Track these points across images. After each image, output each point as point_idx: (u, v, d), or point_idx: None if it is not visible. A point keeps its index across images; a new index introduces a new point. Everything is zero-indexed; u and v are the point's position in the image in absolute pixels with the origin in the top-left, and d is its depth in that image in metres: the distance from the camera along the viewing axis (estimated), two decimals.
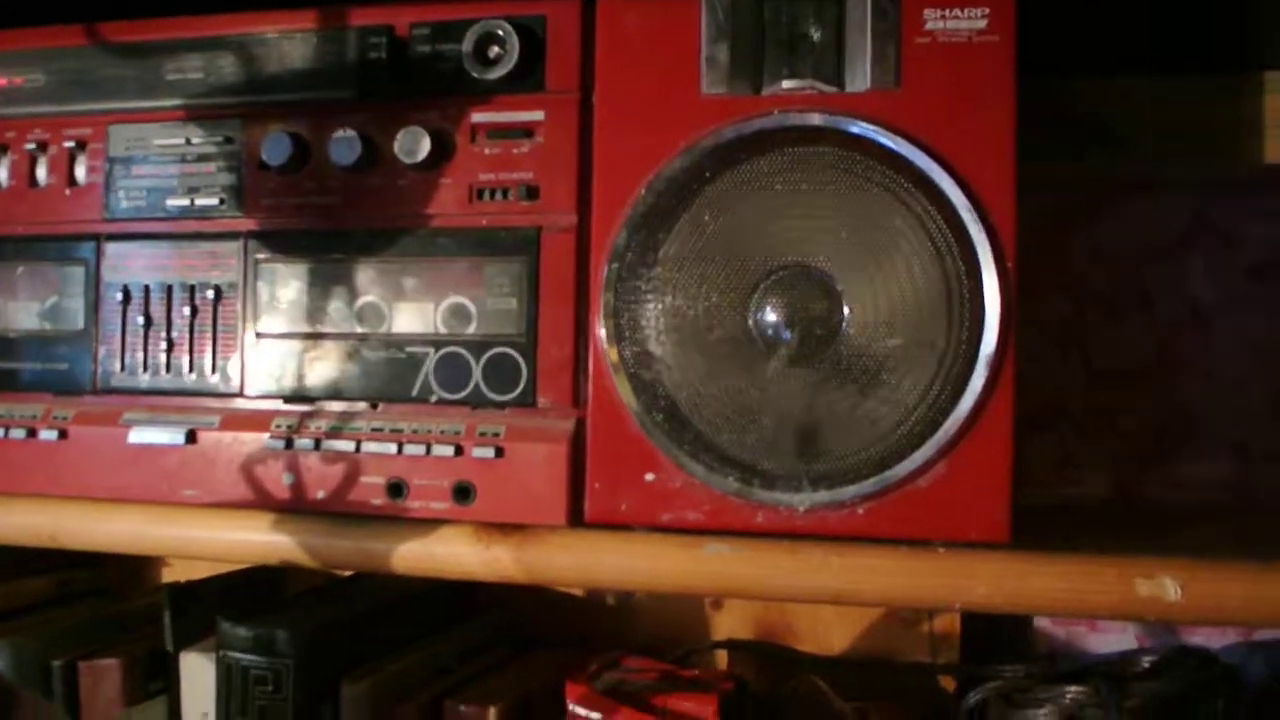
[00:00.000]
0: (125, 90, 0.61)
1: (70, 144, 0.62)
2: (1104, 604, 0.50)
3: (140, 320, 0.60)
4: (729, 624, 0.79)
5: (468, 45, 0.55)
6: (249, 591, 0.79)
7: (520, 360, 0.55)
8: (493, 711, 0.62)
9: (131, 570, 0.91)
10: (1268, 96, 0.67)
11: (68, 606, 0.82)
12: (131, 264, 0.61)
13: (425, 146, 0.55)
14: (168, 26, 0.61)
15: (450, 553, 0.56)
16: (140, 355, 0.60)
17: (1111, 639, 0.79)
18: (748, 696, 0.63)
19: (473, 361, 0.56)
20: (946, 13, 0.51)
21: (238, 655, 0.61)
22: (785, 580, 0.53)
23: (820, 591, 0.53)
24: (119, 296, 0.61)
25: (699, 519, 0.53)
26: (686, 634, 0.79)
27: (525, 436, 0.55)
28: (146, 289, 0.60)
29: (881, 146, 0.51)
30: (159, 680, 0.72)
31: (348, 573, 0.77)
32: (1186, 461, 0.79)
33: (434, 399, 0.56)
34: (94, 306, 0.61)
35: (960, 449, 0.50)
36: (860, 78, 0.52)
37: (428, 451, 0.55)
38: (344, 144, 0.56)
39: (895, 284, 0.51)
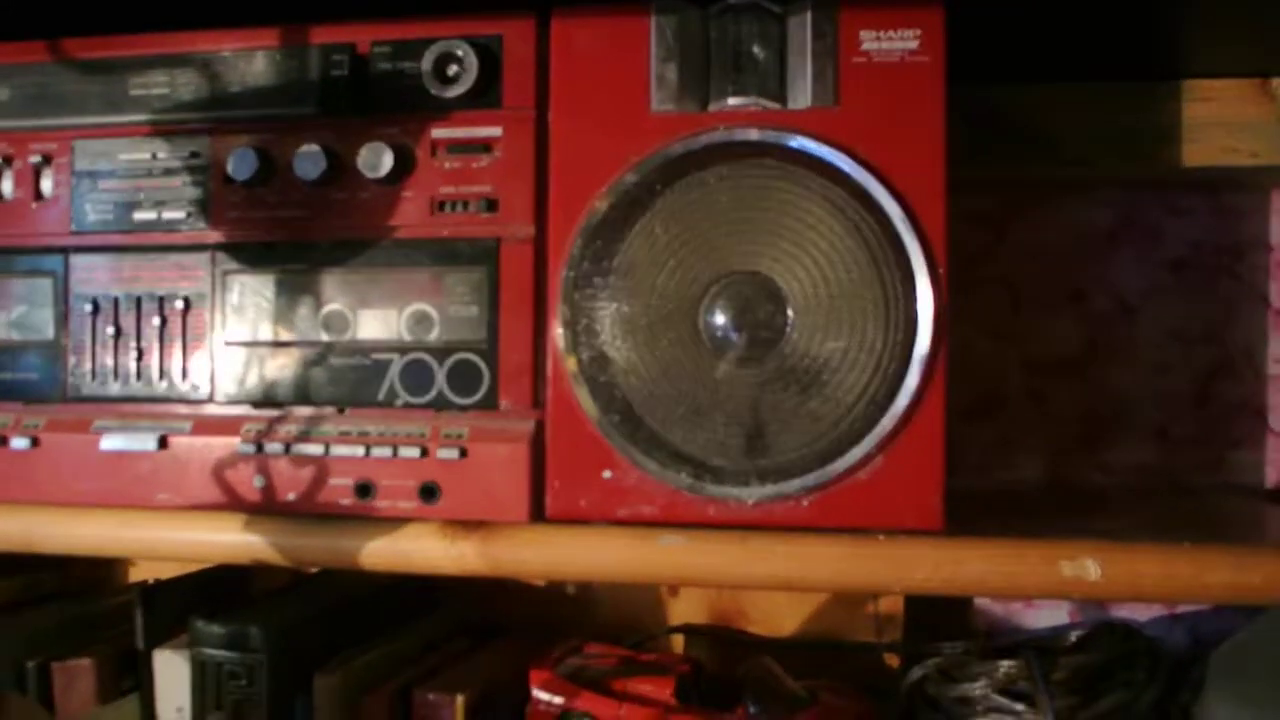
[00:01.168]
0: (90, 106, 0.63)
1: (36, 159, 0.63)
2: (1032, 584, 0.54)
3: (110, 330, 0.62)
4: (684, 610, 0.83)
5: (427, 64, 0.58)
6: (216, 590, 0.81)
7: (482, 365, 0.58)
8: (460, 699, 0.65)
9: (97, 572, 0.92)
10: (1185, 104, 0.72)
11: (35, 608, 0.83)
12: (99, 275, 0.62)
13: (388, 161, 0.57)
14: (131, 44, 0.62)
15: (418, 549, 0.58)
16: (110, 364, 0.62)
17: (1045, 615, 0.84)
18: (703, 678, 0.67)
19: (436, 366, 0.58)
20: (881, 34, 0.55)
21: (211, 652, 0.63)
22: (736, 568, 0.56)
23: (769, 578, 0.57)
24: (88, 307, 0.62)
25: (654, 513, 0.56)
26: (644, 620, 0.83)
27: (488, 437, 0.57)
28: (116, 300, 0.62)
29: (820, 160, 0.55)
30: (130, 678, 0.73)
31: (312, 570, 0.80)
32: (1114, 446, 0.84)
33: (399, 403, 0.59)
34: (63, 317, 0.63)
35: (897, 443, 0.54)
36: (801, 95, 0.55)
37: (394, 453, 0.58)
38: (308, 159, 0.58)
39: (835, 289, 0.55)
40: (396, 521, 0.59)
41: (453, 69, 0.58)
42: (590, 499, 0.57)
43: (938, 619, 0.82)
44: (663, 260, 0.56)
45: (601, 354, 0.56)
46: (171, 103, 0.62)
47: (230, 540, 0.60)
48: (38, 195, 0.63)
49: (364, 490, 0.58)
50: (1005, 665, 0.61)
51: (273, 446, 0.59)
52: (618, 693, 0.64)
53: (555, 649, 0.70)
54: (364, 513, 0.58)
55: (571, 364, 0.56)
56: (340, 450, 0.58)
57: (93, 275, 0.62)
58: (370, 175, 0.58)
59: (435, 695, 0.66)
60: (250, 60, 0.61)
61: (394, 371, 0.59)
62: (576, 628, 0.83)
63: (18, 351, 0.64)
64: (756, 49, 0.56)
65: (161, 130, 0.62)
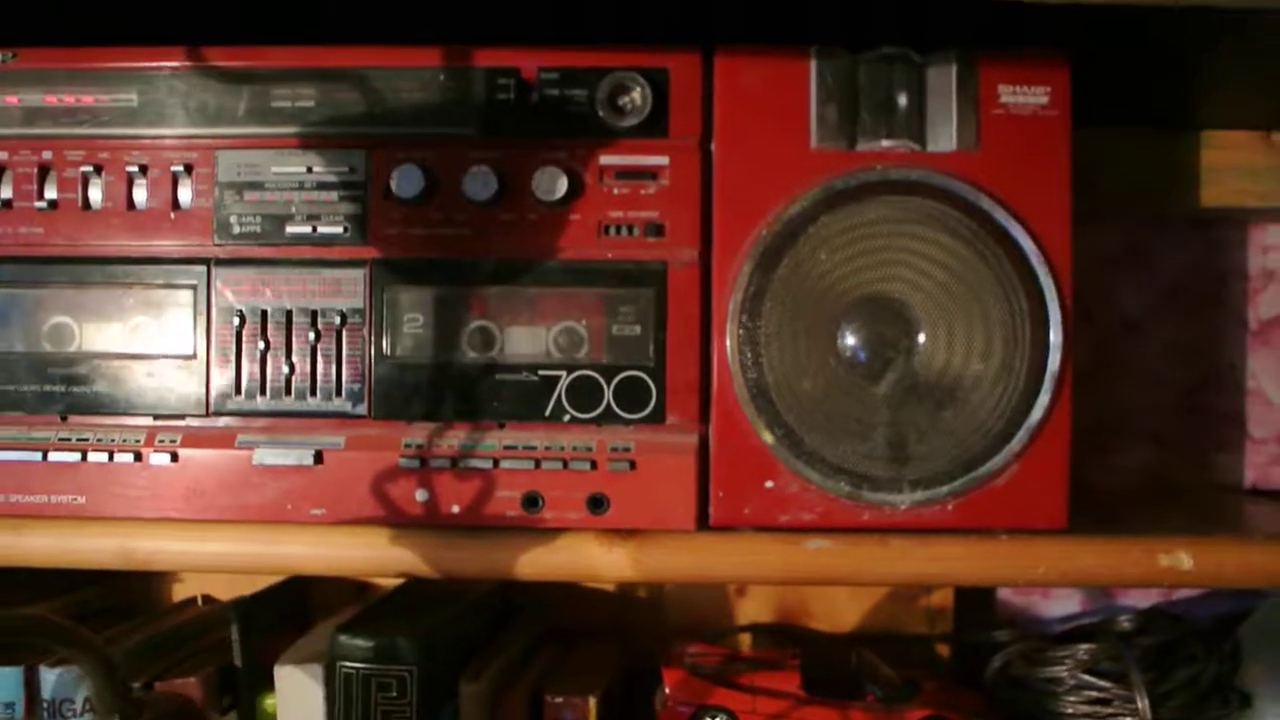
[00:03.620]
0: (231, 116, 0.62)
1: (177, 168, 0.62)
2: (1134, 575, 0.62)
3: (260, 344, 0.61)
4: (751, 609, 0.88)
5: (601, 93, 0.60)
6: (282, 607, 0.81)
7: (650, 382, 0.61)
8: (592, 701, 0.68)
9: (138, 590, 0.89)
10: (1204, 151, 0.82)
11: (91, 626, 0.80)
12: (245, 288, 0.62)
13: (562, 186, 0.60)
14: (273, 55, 0.62)
15: (576, 558, 0.61)
16: (258, 378, 0.62)
17: (1059, 605, 0.93)
18: (816, 669, 0.72)
19: (604, 383, 0.61)
20: (1017, 89, 0.61)
21: (356, 665, 0.64)
22: (878, 568, 0.61)
23: (906, 577, 0.63)
24: (234, 320, 0.61)
25: (813, 519, 0.61)
26: (713, 620, 0.87)
27: (656, 451, 0.61)
28: (263, 313, 0.62)
29: (964, 200, 0.61)
30: (228, 696, 0.73)
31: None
32: (1117, 451, 0.94)
33: (566, 418, 0.61)
34: (206, 329, 0.62)
35: (1030, 453, 0.61)
36: (944, 139, 0.61)
37: (565, 466, 0.60)
38: (479, 179, 0.60)
39: (978, 317, 0.61)
40: (551, 531, 0.61)
41: (624, 99, 0.61)
42: (753, 507, 0.61)
43: (968, 611, 0.90)
44: (815, 287, 0.61)
45: (762, 372, 0.61)
46: (322, 116, 0.62)
47: (383, 554, 0.61)
48: (175, 205, 0.62)
49: (531, 502, 0.60)
50: (1085, 648, 0.69)
51: (438, 461, 0.60)
52: (746, 688, 0.68)
53: (670, 649, 0.74)
54: (530, 524, 0.61)
55: (738, 382, 0.60)
56: (509, 464, 0.60)
57: (238, 288, 0.62)
58: (545, 199, 0.60)
59: (565, 698, 0.68)
60: (411, 78, 0.62)
61: (561, 388, 0.61)
62: (647, 629, 0.87)
63: (151, 364, 0.62)
64: (901, 95, 0.62)
65: (311, 144, 0.62)
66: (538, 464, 0.60)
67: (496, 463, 0.60)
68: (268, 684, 0.73)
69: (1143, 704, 0.64)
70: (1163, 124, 0.82)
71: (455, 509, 0.61)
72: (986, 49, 0.61)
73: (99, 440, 0.62)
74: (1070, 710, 0.67)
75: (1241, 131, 0.82)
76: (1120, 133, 0.83)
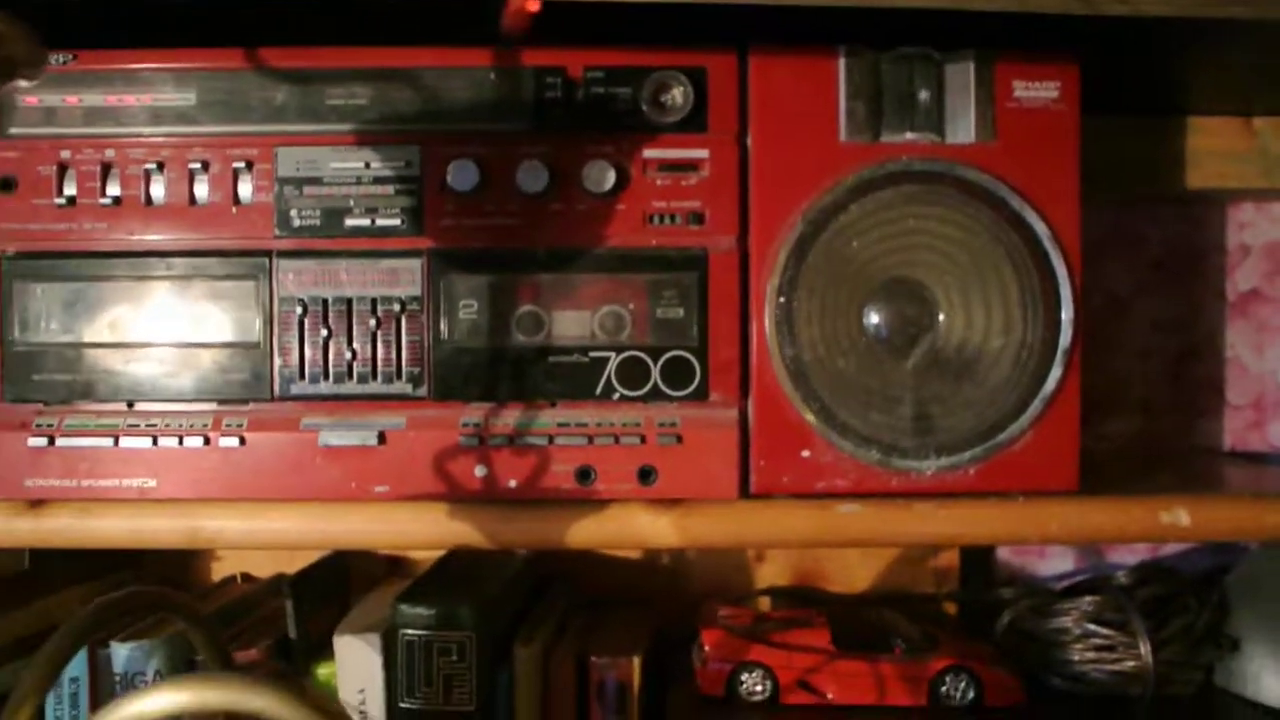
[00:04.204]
0: (288, 114, 0.65)
1: (240, 164, 0.64)
2: (1137, 531, 0.68)
3: (323, 331, 0.65)
4: (769, 573, 0.93)
5: (645, 91, 0.64)
6: (329, 581, 0.85)
7: (694, 361, 0.65)
8: (635, 660, 0.73)
9: (174, 567, 0.92)
10: (1189, 136, 0.87)
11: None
12: (307, 278, 0.65)
13: (611, 178, 0.64)
14: (327, 55, 0.65)
15: (624, 527, 0.65)
16: (320, 363, 0.65)
17: (1053, 563, 0.99)
18: (840, 626, 0.77)
19: (651, 363, 0.65)
20: (1029, 84, 0.66)
21: (419, 632, 0.68)
22: (905, 529, 0.66)
23: (930, 537, 0.67)
24: (297, 309, 0.65)
25: (846, 486, 0.65)
26: (733, 584, 0.92)
27: (700, 425, 0.65)
28: (325, 302, 0.65)
29: (983, 188, 0.65)
30: (286, 666, 0.76)
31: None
32: (1108, 418, 1.00)
33: (616, 396, 0.65)
34: (268, 317, 0.65)
35: (1044, 421, 0.66)
36: (963, 132, 0.66)
37: (616, 441, 0.64)
38: (531, 172, 0.63)
39: (995, 296, 0.66)
40: (601, 503, 0.65)
41: (666, 96, 0.65)
42: (791, 475, 0.65)
43: (971, 571, 0.96)
44: (845, 270, 0.65)
45: (798, 350, 0.65)
46: (377, 114, 0.65)
47: (442, 528, 0.65)
48: (235, 200, 0.65)
49: (585, 475, 0.64)
50: (1089, 600, 0.75)
51: (496, 439, 0.64)
52: (780, 644, 0.73)
53: (702, 612, 0.78)
54: (585, 496, 0.65)
55: (776, 360, 0.65)
56: (563, 440, 0.64)
57: (300, 278, 0.65)
58: (594, 190, 0.64)
59: (610, 658, 0.73)
60: (461, 77, 0.65)
61: (611, 368, 0.65)
62: (670, 594, 0.91)
63: (218, 352, 0.65)
64: (921, 91, 0.66)
65: (367, 140, 0.65)
66: (590, 439, 0.64)
67: (551, 439, 0.64)
68: (320, 654, 0.76)
69: (1145, 649, 0.70)
70: (1150, 111, 0.87)
71: (513, 483, 0.64)
72: (1001, 47, 0.65)
73: (168, 425, 0.65)
74: (1077, 657, 0.73)
75: (1223, 118, 0.88)
76: (1110, 120, 0.88)
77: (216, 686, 0.32)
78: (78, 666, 0.74)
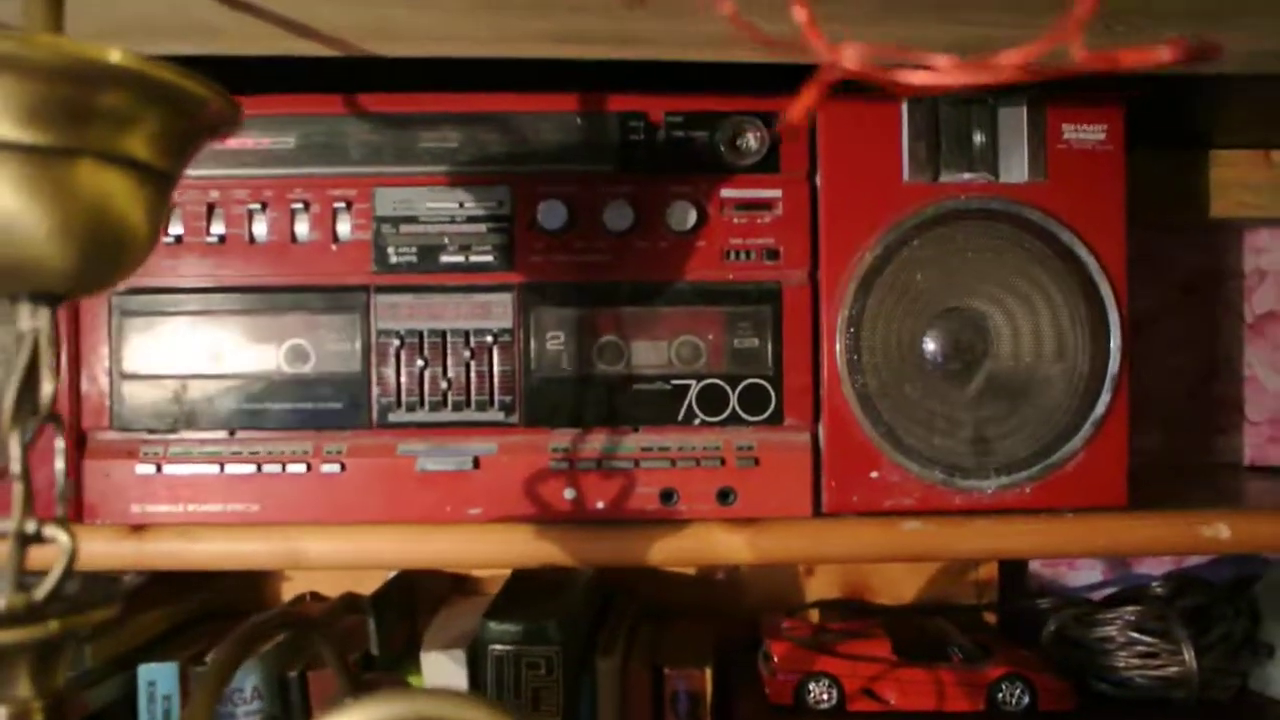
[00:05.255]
0: (383, 156, 0.69)
1: (340, 204, 0.68)
2: (1181, 545, 0.72)
3: (419, 362, 0.68)
4: (819, 586, 0.97)
5: (722, 134, 0.68)
6: (399, 599, 0.88)
7: (770, 388, 0.69)
8: (708, 671, 0.76)
9: (246, 588, 0.95)
10: (1213, 168, 0.92)
11: (198, 628, 0.86)
12: (403, 312, 0.69)
13: (692, 217, 0.68)
14: (424, 101, 0.69)
15: (701, 545, 0.69)
16: (417, 392, 0.68)
17: (1083, 575, 1.04)
18: (897, 635, 0.81)
19: (729, 390, 0.69)
20: (1078, 127, 0.70)
21: (507, 647, 0.71)
22: (963, 545, 0.70)
23: (987, 552, 0.73)
24: (395, 342, 0.68)
25: (912, 504, 0.70)
26: (785, 597, 0.96)
27: (776, 448, 0.69)
28: (421, 334, 0.69)
29: (1036, 225, 0.70)
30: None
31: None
32: (1134, 434, 1.04)
33: (697, 421, 0.69)
34: (367, 349, 0.69)
35: (1095, 442, 0.70)
36: (1016, 171, 0.70)
37: (698, 464, 0.68)
38: (618, 211, 0.68)
39: (1048, 326, 0.70)
40: (680, 523, 0.69)
41: (742, 140, 0.69)
42: (860, 495, 0.69)
43: (1008, 583, 1.00)
44: (907, 302, 0.69)
45: (866, 378, 0.69)
46: (467, 156, 0.69)
47: (530, 548, 0.68)
48: (334, 238, 0.69)
49: (667, 496, 0.68)
50: (1131, 609, 0.79)
51: (584, 463, 0.68)
52: (844, 654, 0.77)
53: (765, 624, 0.82)
54: (667, 516, 0.69)
55: (846, 387, 0.69)
56: (648, 464, 0.68)
57: (396, 312, 0.69)
58: (676, 228, 0.68)
59: (682, 669, 0.76)
60: (548, 121, 0.69)
61: (692, 395, 0.69)
62: (725, 607, 0.95)
63: (316, 384, 0.69)
64: (977, 133, 0.71)
65: (459, 180, 0.69)
66: (673, 463, 0.68)
67: (637, 463, 0.68)
68: (398, 668, 0.80)
69: (1189, 656, 0.74)
70: (1178, 144, 0.92)
71: (600, 505, 0.68)
72: (1051, 91, 0.70)
73: (270, 453, 0.68)
74: (1123, 664, 0.77)
75: (1244, 151, 0.93)
76: (1142, 152, 0.92)
77: (427, 701, 0.35)
78: (169, 683, 0.77)
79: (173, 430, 0.69)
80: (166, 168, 0.37)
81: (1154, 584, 0.85)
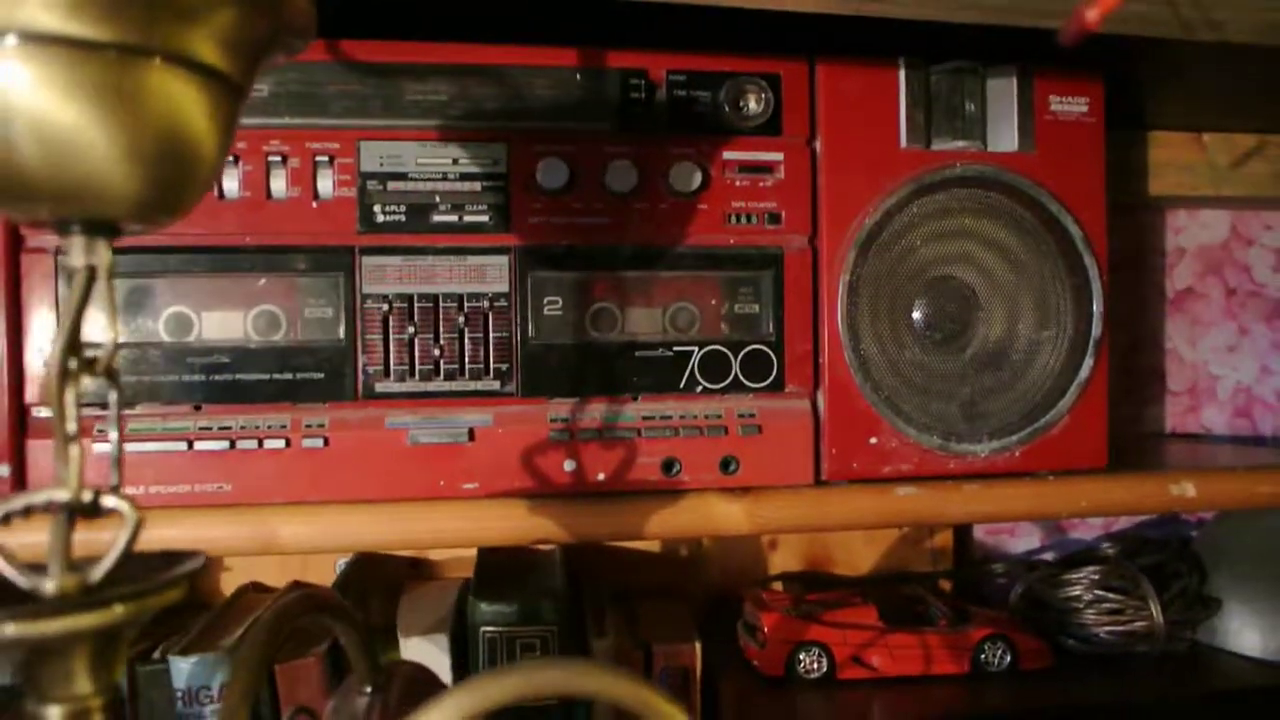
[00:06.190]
0: (369, 109, 0.64)
1: (322, 158, 0.63)
2: (1152, 504, 0.75)
3: (410, 328, 0.64)
4: (781, 560, 0.97)
5: (725, 95, 0.67)
6: (356, 583, 0.83)
7: (771, 355, 0.68)
8: (697, 646, 0.75)
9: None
10: (1150, 149, 0.97)
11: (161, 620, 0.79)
12: (391, 275, 0.64)
13: (697, 179, 0.66)
14: (409, 50, 0.64)
15: (698, 516, 0.67)
16: (406, 362, 0.64)
17: (1023, 542, 1.07)
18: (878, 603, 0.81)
19: (732, 357, 0.68)
20: (1063, 99, 0.72)
21: (500, 629, 0.68)
22: (954, 509, 0.71)
23: (977, 515, 0.73)
24: (382, 306, 0.64)
25: (910, 469, 0.70)
26: (749, 572, 0.96)
27: (778, 416, 0.68)
28: (410, 299, 0.64)
29: (1024, 193, 0.71)
30: (337, 674, 0.74)
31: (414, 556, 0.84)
32: None
33: (699, 389, 0.67)
34: (351, 315, 0.64)
35: (1078, 406, 0.72)
36: (1006, 141, 0.71)
37: (701, 433, 0.67)
38: (621, 172, 0.65)
39: (1036, 293, 0.72)
40: (677, 493, 0.67)
41: (744, 101, 0.67)
42: (860, 461, 0.69)
43: (960, 550, 1.03)
44: (901, 268, 0.70)
45: (866, 345, 0.69)
46: (461, 110, 0.65)
47: (525, 524, 0.65)
48: (315, 194, 0.64)
49: (669, 466, 0.66)
50: (1094, 569, 0.82)
51: (584, 433, 0.65)
52: (833, 623, 0.77)
53: (743, 597, 0.81)
54: (670, 487, 0.67)
55: (848, 354, 0.69)
56: (650, 433, 0.66)
57: (383, 274, 0.64)
58: (680, 190, 0.66)
59: (672, 645, 0.75)
60: (546, 76, 0.66)
61: (694, 362, 0.67)
62: (691, 584, 0.94)
63: (296, 352, 0.63)
64: (968, 102, 0.72)
65: (452, 136, 0.65)
66: (676, 432, 0.66)
67: (639, 432, 0.66)
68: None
69: (1156, 610, 0.78)
70: (1119, 125, 0.96)
71: (601, 476, 0.66)
72: (1038, 63, 0.72)
73: (243, 428, 0.63)
74: (1091, 621, 0.80)
75: (1179, 133, 0.97)
76: None
77: (555, 669, 0.32)
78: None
79: (131, 405, 0.62)
80: (238, 78, 0.33)
81: (1104, 545, 0.89)
